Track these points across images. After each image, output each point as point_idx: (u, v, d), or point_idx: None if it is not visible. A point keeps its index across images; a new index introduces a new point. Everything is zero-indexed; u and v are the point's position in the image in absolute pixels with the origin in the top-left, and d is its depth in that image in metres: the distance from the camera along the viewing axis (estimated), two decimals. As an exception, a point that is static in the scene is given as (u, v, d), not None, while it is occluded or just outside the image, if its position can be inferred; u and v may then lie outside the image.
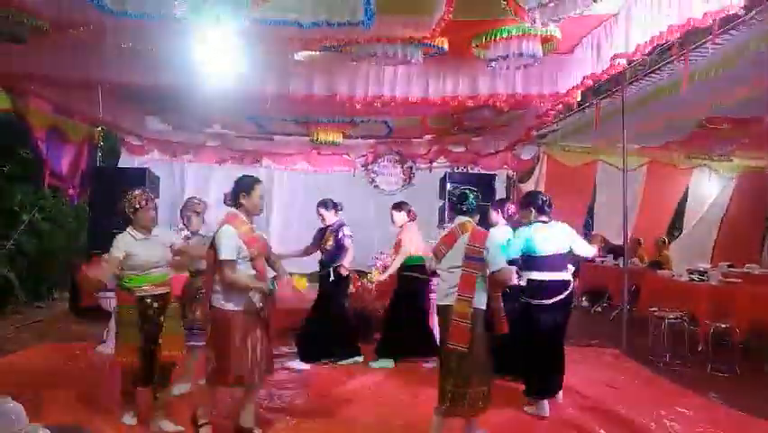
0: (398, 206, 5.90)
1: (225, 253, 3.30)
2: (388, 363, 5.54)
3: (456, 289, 3.34)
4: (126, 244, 3.67)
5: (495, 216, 5.30)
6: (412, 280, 5.62)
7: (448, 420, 3.46)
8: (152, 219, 3.77)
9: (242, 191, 3.51)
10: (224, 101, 6.15)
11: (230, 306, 3.36)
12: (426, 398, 4.05)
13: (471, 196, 3.61)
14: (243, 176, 3.65)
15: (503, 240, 4.30)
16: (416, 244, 5.64)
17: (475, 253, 3.34)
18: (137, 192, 3.75)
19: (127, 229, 3.74)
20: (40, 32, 4.58)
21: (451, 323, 3.32)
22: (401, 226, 5.79)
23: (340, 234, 5.59)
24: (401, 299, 5.70)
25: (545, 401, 4.23)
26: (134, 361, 3.61)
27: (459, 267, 3.37)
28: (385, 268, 6.09)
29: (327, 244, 5.62)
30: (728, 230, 10.07)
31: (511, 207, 5.34)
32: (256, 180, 3.59)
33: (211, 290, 3.42)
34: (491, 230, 4.34)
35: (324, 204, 5.76)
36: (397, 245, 5.73)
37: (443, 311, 3.45)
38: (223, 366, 3.33)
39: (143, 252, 3.69)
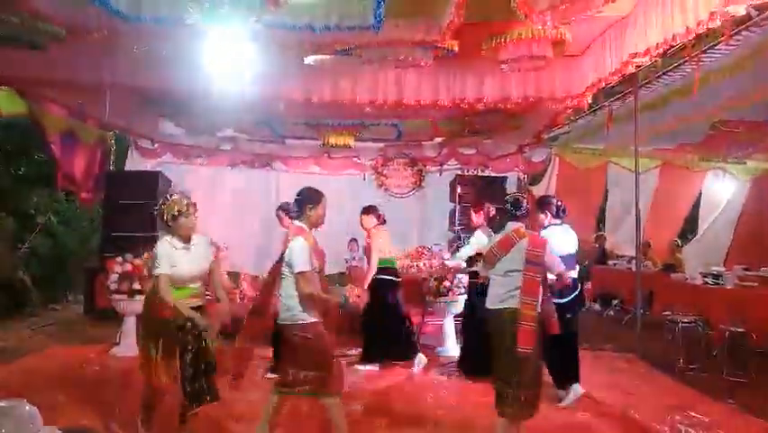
0: (368, 210, 5.77)
1: (302, 266, 3.29)
2: (373, 367, 5.52)
3: (516, 292, 3.38)
4: (168, 255, 3.35)
5: (476, 217, 5.45)
6: (385, 283, 5.57)
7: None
8: (194, 226, 3.48)
9: (308, 203, 3.49)
10: (236, 105, 6.20)
11: (312, 318, 3.34)
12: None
13: (525, 203, 3.66)
14: (309, 188, 3.56)
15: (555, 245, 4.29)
16: (388, 246, 5.65)
17: (537, 258, 3.42)
18: (176, 197, 3.46)
19: (165, 238, 3.43)
20: (57, 39, 4.65)
21: (519, 327, 3.30)
22: (369, 230, 5.70)
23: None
24: (375, 302, 5.34)
25: (576, 384, 4.56)
26: (155, 376, 3.37)
27: (515, 271, 3.41)
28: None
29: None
30: (743, 233, 9.93)
31: (492, 209, 5.41)
32: (322, 194, 3.54)
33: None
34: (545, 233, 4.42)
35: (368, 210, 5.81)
36: (368, 250, 5.72)
37: (498, 315, 3.45)
38: (328, 376, 3.33)
39: (185, 263, 3.40)
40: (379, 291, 5.53)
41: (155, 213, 3.48)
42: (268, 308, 3.51)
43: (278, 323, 3.42)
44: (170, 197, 3.47)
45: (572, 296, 4.56)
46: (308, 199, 3.51)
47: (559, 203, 4.73)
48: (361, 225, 5.77)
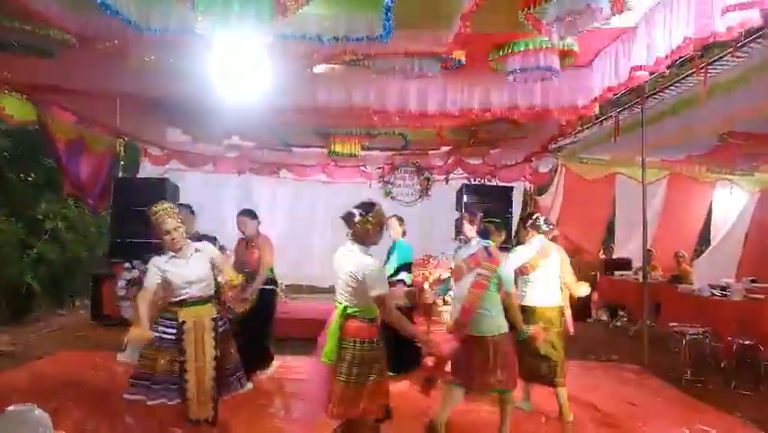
0: (250, 213, 5.31)
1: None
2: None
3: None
4: (156, 268, 3.45)
5: (470, 228, 4.10)
6: (267, 293, 5.19)
7: None
8: (178, 239, 3.50)
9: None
10: (243, 113, 6.24)
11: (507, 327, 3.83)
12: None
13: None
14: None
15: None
16: (273, 254, 5.24)
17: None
18: (159, 207, 3.53)
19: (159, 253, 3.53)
20: (67, 47, 4.71)
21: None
22: (251, 236, 5.24)
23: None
24: (256, 313, 5.05)
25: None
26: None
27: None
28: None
29: None
30: (752, 246, 9.86)
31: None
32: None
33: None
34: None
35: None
36: (256, 256, 5.15)
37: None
38: (514, 375, 3.80)
39: (177, 272, 3.47)
40: (262, 301, 5.12)
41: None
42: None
43: (474, 334, 3.67)
44: (155, 208, 3.48)
45: None
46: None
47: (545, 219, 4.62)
48: (242, 230, 5.24)
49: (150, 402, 3.26)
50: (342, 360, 3.01)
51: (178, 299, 3.43)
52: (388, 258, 5.66)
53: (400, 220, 5.89)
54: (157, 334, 3.34)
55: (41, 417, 2.14)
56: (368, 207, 3.15)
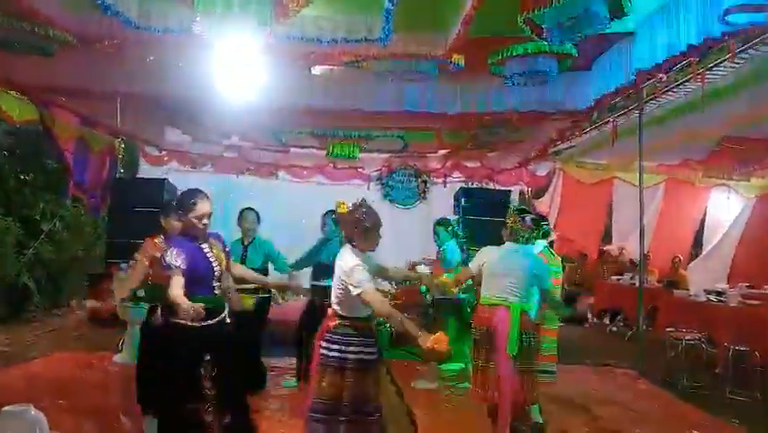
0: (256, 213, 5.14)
1: None
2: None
3: None
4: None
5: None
6: (262, 300, 4.85)
7: None
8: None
9: None
10: (243, 114, 6.25)
11: None
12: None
13: None
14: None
15: None
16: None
17: None
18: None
19: None
20: (67, 46, 4.71)
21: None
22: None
23: None
24: (249, 320, 4.53)
25: None
26: None
27: None
28: None
29: None
30: (747, 251, 9.88)
31: None
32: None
33: None
34: None
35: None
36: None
37: None
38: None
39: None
40: None
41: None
42: None
43: None
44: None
45: None
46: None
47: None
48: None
49: None
50: None
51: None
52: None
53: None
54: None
55: (37, 417, 2.14)
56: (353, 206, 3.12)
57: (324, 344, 3.00)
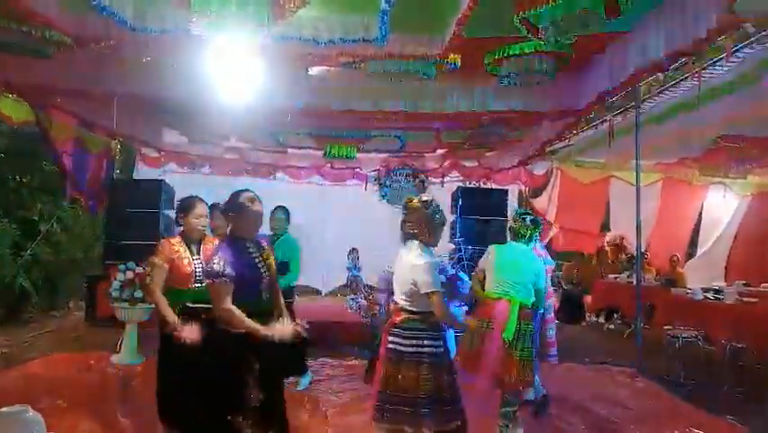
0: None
1: None
2: None
3: None
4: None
5: None
6: None
7: None
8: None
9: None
10: (240, 115, 6.25)
11: None
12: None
13: None
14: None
15: None
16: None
17: None
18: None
19: None
20: (63, 47, 4.70)
21: None
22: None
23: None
24: None
25: None
26: None
27: None
28: None
29: None
30: (743, 249, 9.92)
31: None
32: None
33: None
34: None
35: None
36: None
37: None
38: None
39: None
40: None
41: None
42: None
43: None
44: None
45: None
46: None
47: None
48: None
49: None
50: None
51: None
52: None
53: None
54: None
55: (34, 418, 2.14)
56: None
57: (394, 339, 3.00)
